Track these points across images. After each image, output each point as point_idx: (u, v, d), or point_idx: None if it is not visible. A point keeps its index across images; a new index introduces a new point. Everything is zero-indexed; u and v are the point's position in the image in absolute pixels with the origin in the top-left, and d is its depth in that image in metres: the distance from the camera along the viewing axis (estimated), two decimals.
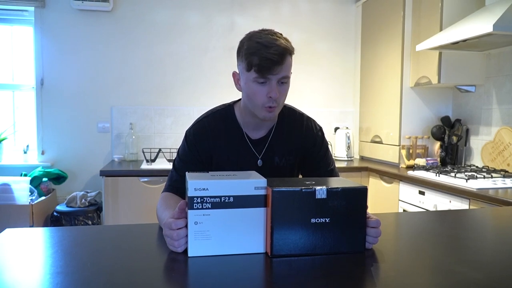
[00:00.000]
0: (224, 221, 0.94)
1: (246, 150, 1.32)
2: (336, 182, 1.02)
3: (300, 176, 1.43)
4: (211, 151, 1.32)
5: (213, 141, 1.32)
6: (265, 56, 1.14)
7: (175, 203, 1.16)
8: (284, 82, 1.21)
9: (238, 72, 1.27)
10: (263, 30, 1.21)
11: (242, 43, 1.22)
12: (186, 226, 0.95)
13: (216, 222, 0.94)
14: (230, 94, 1.38)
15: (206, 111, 1.39)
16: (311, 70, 3.68)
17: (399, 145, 3.08)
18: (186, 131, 1.36)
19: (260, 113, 1.23)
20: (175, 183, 1.32)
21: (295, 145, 1.36)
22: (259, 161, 1.33)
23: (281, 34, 1.21)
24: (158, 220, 1.21)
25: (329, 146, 1.46)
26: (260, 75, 1.16)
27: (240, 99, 1.34)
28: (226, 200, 0.94)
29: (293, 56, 1.20)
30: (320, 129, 1.43)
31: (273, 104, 1.20)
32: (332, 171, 1.40)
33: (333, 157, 1.48)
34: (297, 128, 1.37)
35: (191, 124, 1.38)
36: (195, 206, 0.93)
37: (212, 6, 3.51)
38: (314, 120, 1.43)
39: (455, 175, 2.40)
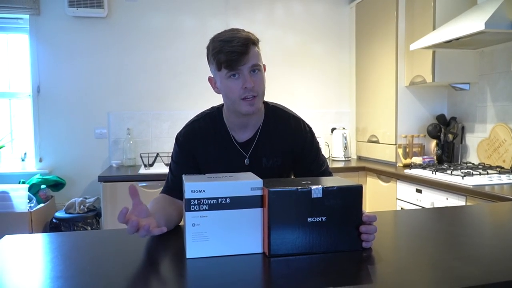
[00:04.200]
0: (221, 222, 0.95)
1: (234, 151, 1.33)
2: (332, 181, 1.03)
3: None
4: (201, 152, 1.33)
5: (202, 143, 1.33)
6: (229, 50, 1.16)
7: (162, 205, 1.22)
8: (256, 70, 1.21)
9: (213, 76, 1.29)
10: (224, 31, 1.24)
11: (208, 47, 1.24)
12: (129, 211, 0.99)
13: (213, 224, 0.95)
14: None
15: (196, 115, 1.40)
16: (307, 72, 3.69)
17: (395, 144, 3.09)
18: (177, 134, 1.38)
19: (241, 108, 1.22)
20: (171, 184, 1.35)
21: (283, 146, 1.34)
22: (246, 159, 1.33)
23: (242, 30, 1.23)
24: None
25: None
26: (230, 69, 1.19)
27: None
28: (223, 202, 0.95)
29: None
30: (310, 129, 1.39)
31: (250, 94, 1.20)
32: (324, 172, 1.38)
33: (325, 157, 1.46)
34: (284, 128, 1.35)
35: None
36: (192, 208, 0.93)
37: (206, 10, 3.52)
38: (303, 120, 1.39)
39: (451, 172, 2.42)
